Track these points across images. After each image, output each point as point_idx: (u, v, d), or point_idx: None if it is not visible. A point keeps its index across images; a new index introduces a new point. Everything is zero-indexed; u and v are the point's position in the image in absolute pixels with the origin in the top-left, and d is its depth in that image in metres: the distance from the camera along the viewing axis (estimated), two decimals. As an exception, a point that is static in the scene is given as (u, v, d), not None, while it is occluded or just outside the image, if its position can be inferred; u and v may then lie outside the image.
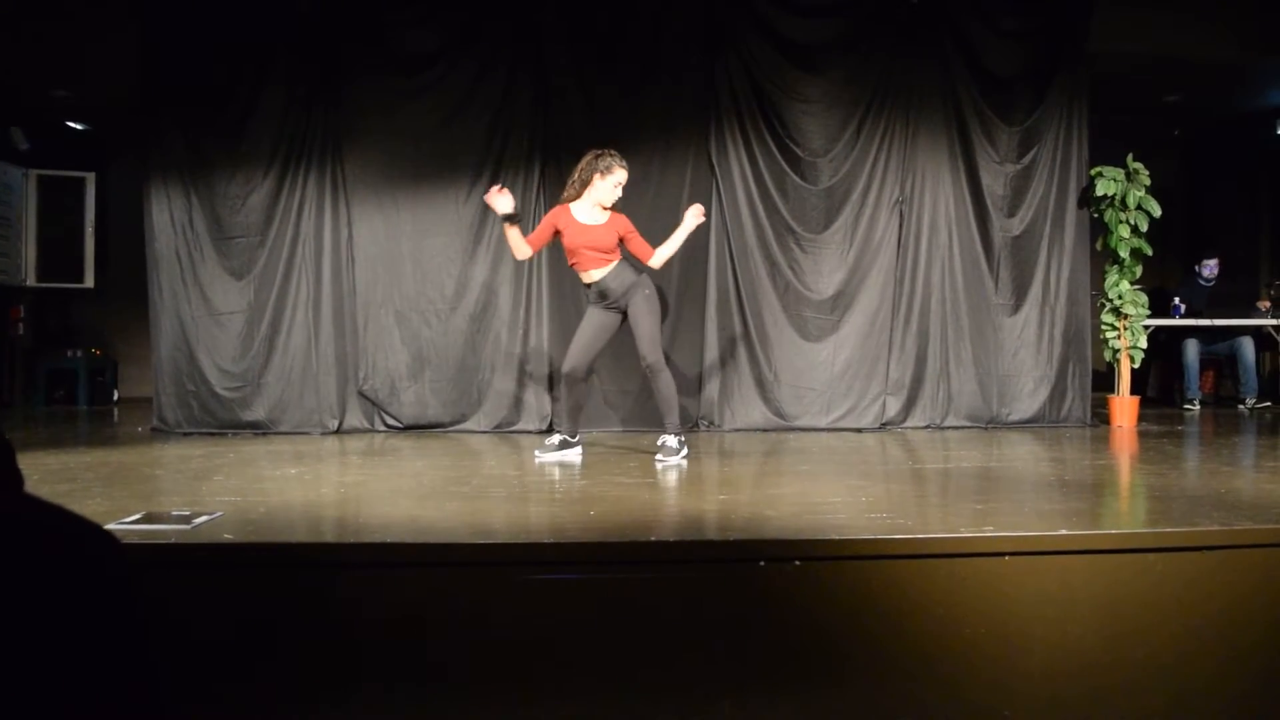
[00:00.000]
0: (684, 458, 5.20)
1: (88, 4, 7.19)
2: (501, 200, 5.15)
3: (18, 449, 1.15)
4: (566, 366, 5.30)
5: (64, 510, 1.11)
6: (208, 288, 6.84)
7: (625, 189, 5.30)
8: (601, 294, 5.24)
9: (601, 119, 6.85)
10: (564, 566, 2.96)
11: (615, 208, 5.29)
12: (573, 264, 5.32)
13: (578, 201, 5.27)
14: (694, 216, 5.35)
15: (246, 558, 3.01)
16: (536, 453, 5.41)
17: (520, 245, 5.25)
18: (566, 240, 5.25)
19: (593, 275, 5.23)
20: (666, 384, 5.21)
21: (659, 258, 5.35)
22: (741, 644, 2.92)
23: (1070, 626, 2.98)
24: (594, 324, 5.30)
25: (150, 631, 1.12)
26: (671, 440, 5.20)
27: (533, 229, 6.91)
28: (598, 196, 5.22)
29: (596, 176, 5.19)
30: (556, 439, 5.38)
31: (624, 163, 5.26)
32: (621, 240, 5.26)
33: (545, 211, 6.84)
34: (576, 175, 5.27)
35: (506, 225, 5.22)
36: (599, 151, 5.25)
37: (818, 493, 4.12)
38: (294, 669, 2.86)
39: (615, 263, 5.24)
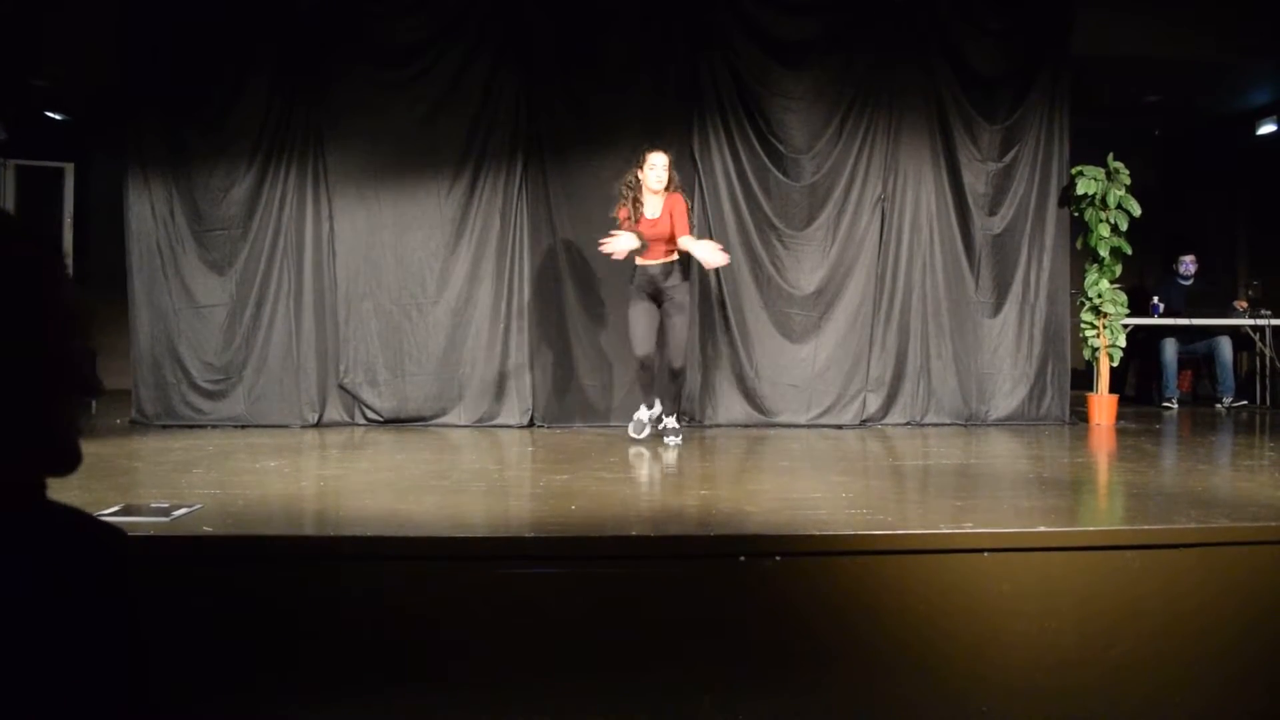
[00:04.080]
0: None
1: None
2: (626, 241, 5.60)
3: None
4: (640, 352, 5.77)
5: (82, 512, 1.10)
6: (189, 280, 6.80)
7: (611, 183, 5.66)
8: (649, 280, 5.75)
9: (584, 115, 6.85)
10: (544, 561, 2.96)
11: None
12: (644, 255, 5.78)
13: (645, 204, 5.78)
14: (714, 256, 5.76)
15: (226, 550, 3.00)
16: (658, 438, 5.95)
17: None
18: (644, 235, 5.70)
19: (652, 262, 5.74)
20: (681, 384, 6.20)
21: (684, 243, 5.68)
22: (722, 639, 2.92)
23: (1048, 622, 3.00)
24: (643, 311, 5.80)
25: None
26: (673, 421, 6.01)
27: (518, 228, 6.95)
28: (650, 186, 5.71)
29: (639, 175, 5.72)
30: (646, 414, 6.01)
31: (652, 148, 5.79)
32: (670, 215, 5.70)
33: (527, 207, 6.90)
34: (626, 189, 5.78)
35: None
36: (637, 163, 5.77)
37: (798, 489, 4.13)
38: (271, 662, 2.85)
39: (674, 257, 5.74)
